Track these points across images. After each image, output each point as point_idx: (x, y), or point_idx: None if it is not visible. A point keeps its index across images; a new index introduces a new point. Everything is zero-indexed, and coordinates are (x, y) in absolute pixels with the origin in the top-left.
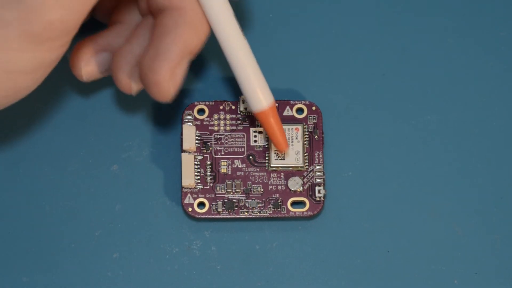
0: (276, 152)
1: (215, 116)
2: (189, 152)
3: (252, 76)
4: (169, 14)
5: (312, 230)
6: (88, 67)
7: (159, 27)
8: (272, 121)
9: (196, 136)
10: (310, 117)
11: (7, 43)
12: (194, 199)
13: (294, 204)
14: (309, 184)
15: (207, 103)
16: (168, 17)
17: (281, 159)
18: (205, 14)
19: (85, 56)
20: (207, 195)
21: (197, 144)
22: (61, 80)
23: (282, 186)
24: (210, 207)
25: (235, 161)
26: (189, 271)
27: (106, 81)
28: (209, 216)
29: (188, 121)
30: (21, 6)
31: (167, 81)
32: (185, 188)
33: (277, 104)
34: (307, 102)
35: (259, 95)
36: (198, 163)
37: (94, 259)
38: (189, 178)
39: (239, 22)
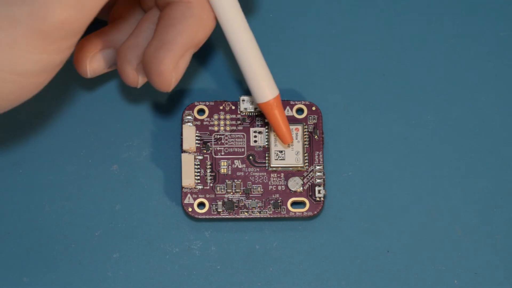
0: (276, 152)
1: (215, 116)
2: (189, 152)
3: (258, 67)
4: (176, 6)
5: (312, 230)
6: (93, 64)
7: (166, 18)
8: (277, 113)
9: (196, 136)
10: (310, 117)
11: (15, 42)
12: (194, 199)
13: (294, 204)
14: (309, 184)
15: (207, 103)
16: (175, 9)
17: (281, 159)
18: (212, 6)
19: (90, 53)
20: (207, 195)
21: (197, 144)
22: (61, 80)
23: (282, 186)
24: (210, 207)
25: (235, 161)
26: (189, 271)
27: (106, 82)
28: (209, 216)
29: (188, 121)
30: (32, 3)
31: (170, 71)
32: (185, 188)
33: None
34: (307, 102)
35: (264, 86)
36: (198, 163)
37: (94, 259)
38: (189, 178)
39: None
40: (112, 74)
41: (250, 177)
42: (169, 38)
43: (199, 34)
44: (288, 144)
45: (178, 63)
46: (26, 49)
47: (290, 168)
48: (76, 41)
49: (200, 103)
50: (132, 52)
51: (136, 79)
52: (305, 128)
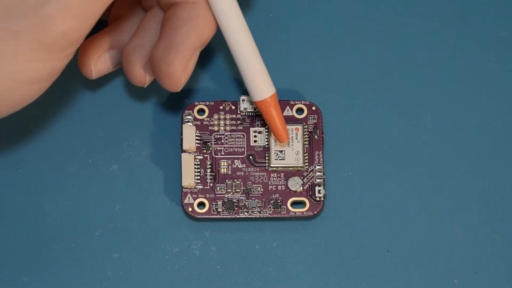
0: (276, 152)
1: (215, 116)
2: (189, 152)
3: (255, 66)
4: (182, 7)
5: (312, 230)
6: (98, 65)
7: (171, 19)
8: (273, 111)
9: (196, 136)
10: (310, 117)
11: (18, 53)
12: (194, 199)
13: (294, 204)
14: (309, 184)
15: (207, 103)
16: (181, 9)
17: (281, 159)
18: (210, 5)
19: (95, 55)
20: (207, 195)
21: (197, 144)
22: (60, 80)
23: (282, 186)
24: (210, 207)
25: (235, 161)
26: (189, 271)
27: (106, 82)
28: (209, 216)
29: (188, 121)
30: (34, 16)
31: (180, 73)
32: (185, 188)
33: None
34: (307, 102)
35: (261, 84)
36: (198, 163)
37: (94, 259)
38: (189, 178)
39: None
40: (112, 75)
41: (250, 177)
42: (177, 39)
43: (206, 33)
44: (287, 143)
45: (187, 63)
46: (28, 59)
47: (290, 168)
48: (77, 48)
49: (200, 103)
50: (138, 53)
51: (143, 79)
52: (305, 128)
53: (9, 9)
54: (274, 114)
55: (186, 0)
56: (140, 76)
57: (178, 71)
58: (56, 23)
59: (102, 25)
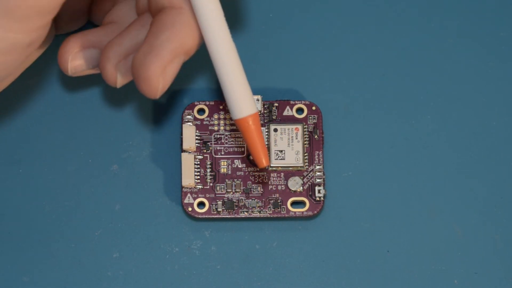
0: (276, 152)
1: (215, 116)
2: (189, 152)
3: (237, 81)
4: (168, 12)
5: (312, 230)
6: (75, 61)
7: (156, 24)
8: (254, 132)
9: (196, 136)
10: (310, 117)
11: None
12: (194, 199)
13: (294, 204)
14: (309, 184)
15: (207, 103)
16: (166, 15)
17: (281, 159)
18: (195, 15)
19: (73, 50)
20: (207, 195)
21: (197, 144)
22: (61, 79)
23: (282, 186)
24: (210, 207)
25: (235, 161)
26: (189, 271)
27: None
28: (209, 216)
29: (188, 121)
30: None
31: (157, 77)
32: (185, 188)
33: (276, 104)
34: (307, 102)
35: (241, 100)
36: (198, 163)
37: (94, 259)
38: (189, 178)
39: (239, 21)
40: None
41: (250, 177)
42: (158, 43)
43: (188, 41)
44: (288, 143)
45: (166, 69)
46: None
47: (290, 168)
48: (46, 23)
49: (200, 102)
50: (114, 50)
51: (114, 77)
52: (305, 128)
53: None
54: (254, 135)
55: (172, 5)
56: (111, 73)
57: (155, 75)
58: None
59: None
